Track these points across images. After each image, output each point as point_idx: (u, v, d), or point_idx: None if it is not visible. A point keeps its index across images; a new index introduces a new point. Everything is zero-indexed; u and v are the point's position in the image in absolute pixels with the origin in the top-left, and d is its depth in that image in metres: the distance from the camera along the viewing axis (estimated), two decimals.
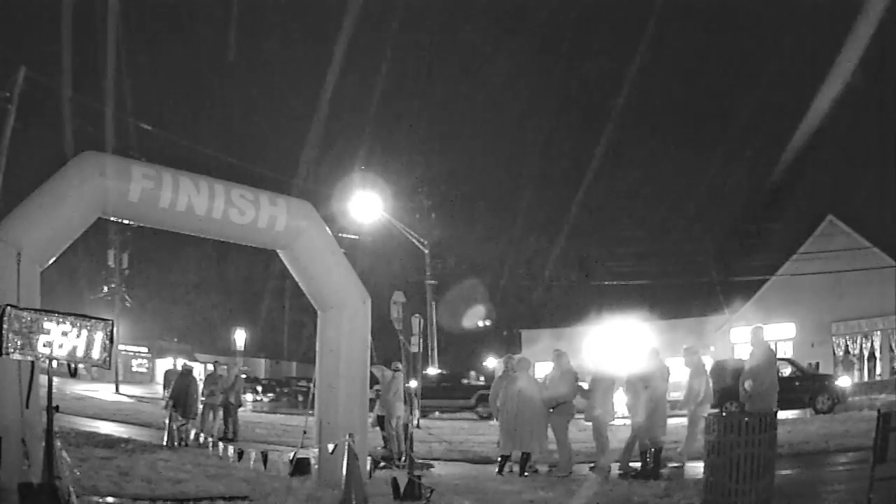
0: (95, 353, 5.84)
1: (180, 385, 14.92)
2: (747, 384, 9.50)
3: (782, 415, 12.84)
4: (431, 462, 12.48)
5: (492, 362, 45.21)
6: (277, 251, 9.64)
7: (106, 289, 41.08)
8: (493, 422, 12.71)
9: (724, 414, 10.37)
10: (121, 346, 39.00)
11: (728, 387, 15.64)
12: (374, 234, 30.93)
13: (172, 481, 8.85)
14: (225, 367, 16.82)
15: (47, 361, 5.68)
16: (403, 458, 11.84)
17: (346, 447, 7.72)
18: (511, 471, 10.90)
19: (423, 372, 26.71)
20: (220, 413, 15.95)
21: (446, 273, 37.64)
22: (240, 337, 51.49)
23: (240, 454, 10.29)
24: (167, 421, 14.16)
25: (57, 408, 5.73)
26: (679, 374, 11.60)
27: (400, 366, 13.61)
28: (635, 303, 37.14)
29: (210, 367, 16.69)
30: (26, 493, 5.95)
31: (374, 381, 12.28)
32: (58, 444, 5.90)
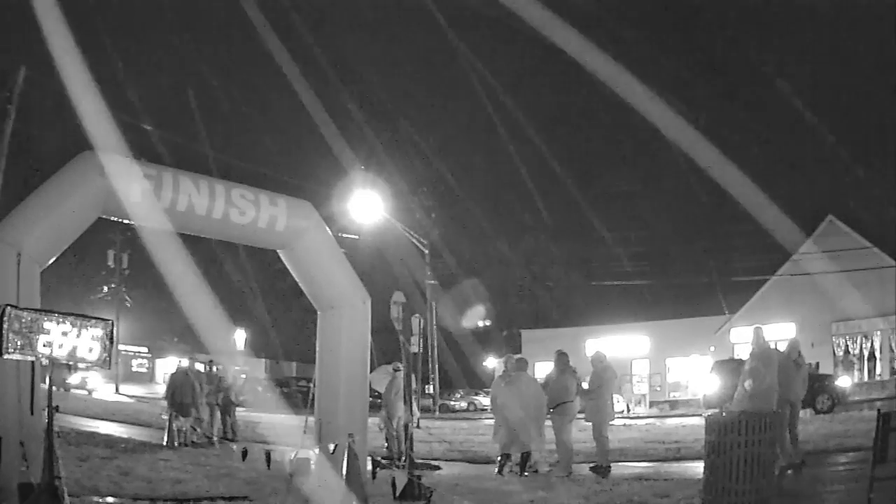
0: (95, 354, 5.83)
1: (173, 384, 14.87)
2: (747, 384, 9.48)
3: None
4: (439, 465, 12.46)
5: (492, 362, 45.24)
6: (277, 251, 9.63)
7: (106, 289, 41.11)
8: (492, 421, 12.71)
9: (723, 414, 10.34)
10: (121, 346, 39.03)
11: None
12: (374, 234, 30.94)
13: (172, 481, 8.85)
14: (219, 365, 16.77)
15: (47, 361, 5.68)
16: (403, 458, 11.84)
17: (346, 447, 7.72)
18: (511, 471, 10.89)
19: None
20: (218, 413, 15.93)
21: (446, 273, 37.69)
22: (240, 337, 51.44)
23: (244, 454, 10.29)
24: (166, 419, 14.15)
25: (57, 408, 5.72)
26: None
27: (400, 366, 13.62)
28: (635, 303, 37.21)
29: (205, 366, 16.65)
30: (26, 493, 5.95)
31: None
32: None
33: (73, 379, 31.85)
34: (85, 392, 31.59)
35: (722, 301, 33.09)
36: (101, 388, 34.26)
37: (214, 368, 16.32)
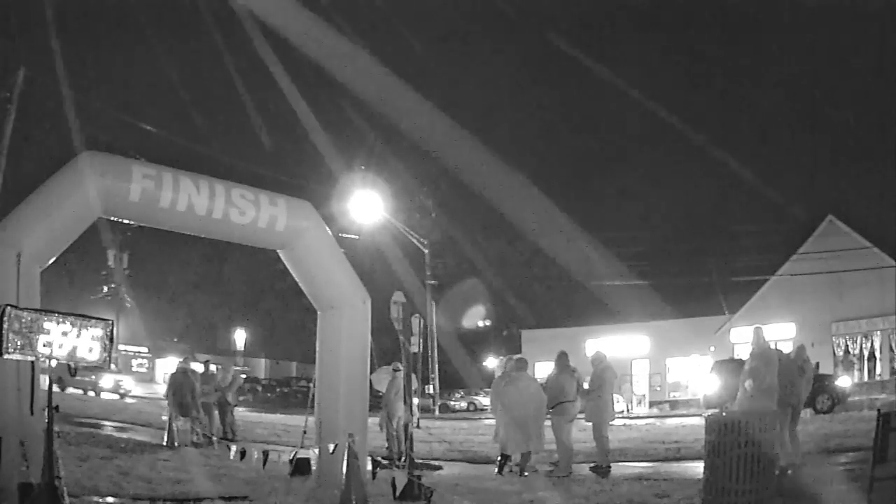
0: (95, 354, 5.83)
1: (173, 384, 14.88)
2: (747, 384, 9.47)
3: None
4: (440, 464, 12.46)
5: (492, 362, 45.22)
6: (277, 251, 9.63)
7: (106, 289, 41.11)
8: (494, 421, 12.73)
9: (723, 414, 10.33)
10: (121, 346, 39.02)
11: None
12: (374, 234, 30.95)
13: (172, 481, 8.85)
14: (219, 366, 16.76)
15: (47, 361, 5.68)
16: (403, 458, 11.84)
17: (346, 447, 7.72)
18: (511, 471, 10.90)
19: None
20: (216, 413, 15.92)
21: (446, 273, 37.66)
22: (240, 337, 51.50)
23: (242, 454, 10.29)
24: (166, 420, 14.16)
25: (57, 408, 5.72)
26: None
27: (400, 366, 13.62)
28: (635, 303, 37.17)
29: (202, 366, 16.63)
30: (26, 493, 5.95)
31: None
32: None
33: (106, 382, 30.88)
34: (117, 396, 30.82)
35: (722, 301, 33.08)
36: (135, 390, 33.43)
37: (214, 368, 16.32)
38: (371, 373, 10.67)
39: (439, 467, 12.08)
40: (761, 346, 9.80)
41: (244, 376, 32.22)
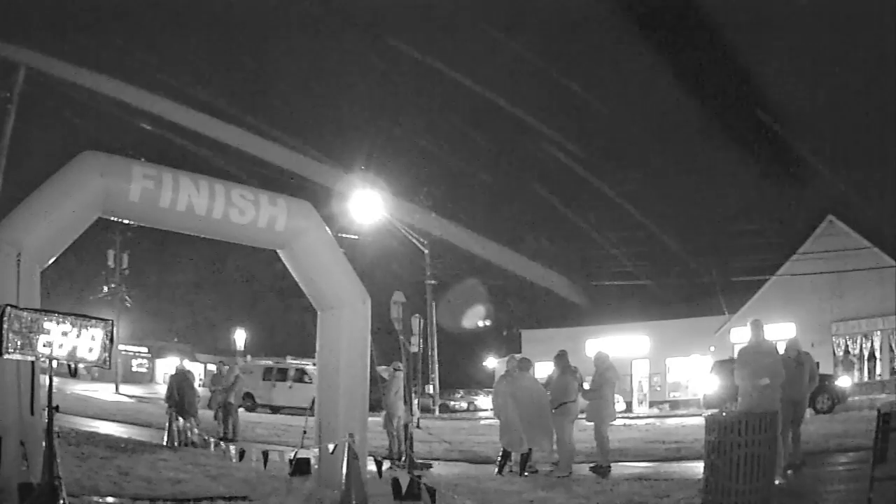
0: (95, 354, 5.82)
1: (173, 385, 14.91)
2: (762, 381, 9.29)
3: None
4: (430, 462, 12.48)
5: (492, 362, 45.24)
6: (277, 251, 9.63)
7: (106, 289, 41.02)
8: (494, 421, 12.73)
9: (723, 414, 10.30)
10: (121, 346, 38.96)
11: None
12: (374, 234, 30.92)
13: (172, 481, 8.85)
14: (226, 367, 16.81)
15: (47, 361, 5.67)
16: (403, 458, 11.85)
17: (346, 447, 7.72)
18: (511, 471, 10.90)
19: None
20: (220, 413, 15.96)
21: (446, 273, 37.62)
22: (240, 337, 51.49)
23: (241, 454, 10.29)
24: (167, 420, 14.18)
25: (57, 408, 5.72)
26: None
27: (400, 365, 13.62)
28: (635, 303, 37.21)
29: (212, 367, 16.70)
30: (26, 493, 5.95)
31: (375, 380, 12.28)
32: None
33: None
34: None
35: (722, 301, 33.07)
36: None
37: (219, 369, 16.37)
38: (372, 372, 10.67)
39: (430, 465, 12.08)
40: (768, 343, 9.72)
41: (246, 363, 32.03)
